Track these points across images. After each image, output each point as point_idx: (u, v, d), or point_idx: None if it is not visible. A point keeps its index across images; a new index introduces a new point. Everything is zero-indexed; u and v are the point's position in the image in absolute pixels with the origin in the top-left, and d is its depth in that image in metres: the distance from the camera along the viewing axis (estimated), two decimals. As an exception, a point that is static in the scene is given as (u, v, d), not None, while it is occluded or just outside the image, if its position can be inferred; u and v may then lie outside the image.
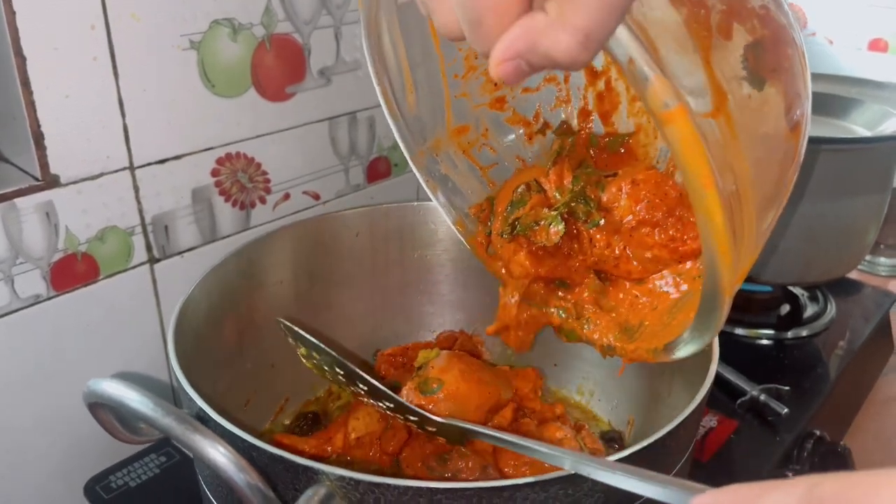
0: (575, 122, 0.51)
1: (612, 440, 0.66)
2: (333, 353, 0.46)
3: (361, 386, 0.47)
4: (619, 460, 0.38)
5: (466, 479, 0.51)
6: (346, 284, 0.69)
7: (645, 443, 0.39)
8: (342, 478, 0.37)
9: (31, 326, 0.63)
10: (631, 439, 0.67)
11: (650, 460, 0.40)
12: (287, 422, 0.69)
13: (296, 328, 0.48)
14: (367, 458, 0.59)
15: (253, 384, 0.63)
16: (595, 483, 0.39)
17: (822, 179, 0.82)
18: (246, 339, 0.61)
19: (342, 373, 0.48)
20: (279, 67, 0.78)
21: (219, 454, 0.32)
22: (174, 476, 0.69)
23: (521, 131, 0.52)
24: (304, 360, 0.52)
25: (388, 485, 0.37)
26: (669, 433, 0.40)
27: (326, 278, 0.68)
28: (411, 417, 0.46)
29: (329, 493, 0.37)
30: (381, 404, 0.48)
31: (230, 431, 0.38)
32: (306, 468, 0.37)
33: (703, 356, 0.51)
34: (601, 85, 0.50)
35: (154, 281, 0.70)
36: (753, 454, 0.75)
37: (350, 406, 0.66)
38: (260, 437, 0.39)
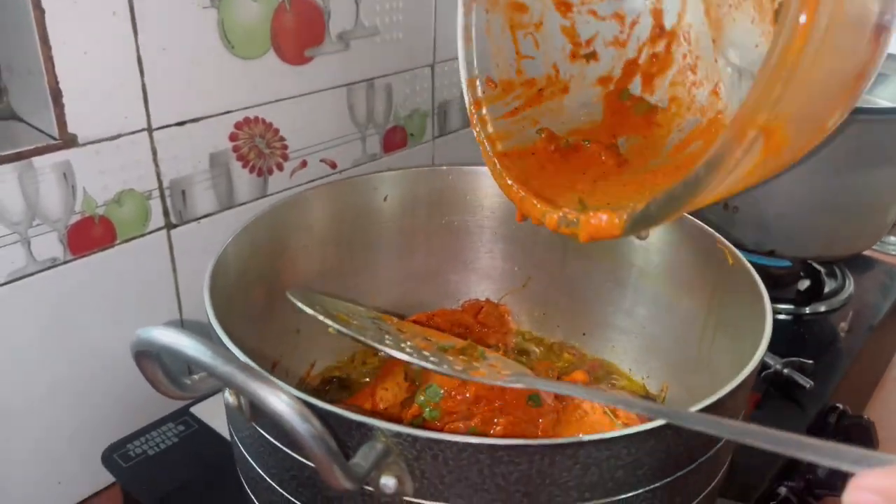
0: (617, 70, 0.50)
1: None
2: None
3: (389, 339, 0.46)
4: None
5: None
6: (372, 249, 0.68)
7: (708, 401, 0.38)
8: (399, 434, 0.36)
9: (47, 290, 0.62)
10: (667, 405, 0.65)
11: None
12: (315, 385, 0.67)
13: (300, 304, 0.47)
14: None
15: (279, 348, 0.62)
16: (658, 442, 0.38)
17: (848, 152, 0.81)
18: (273, 303, 0.59)
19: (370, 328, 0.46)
20: (298, 29, 0.76)
21: (283, 403, 0.30)
22: (192, 445, 0.68)
23: (568, 46, 0.50)
24: (330, 326, 0.50)
25: (448, 441, 0.35)
26: (731, 393, 0.39)
27: (353, 243, 0.66)
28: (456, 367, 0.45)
29: (385, 449, 0.36)
30: (421, 362, 0.46)
31: (280, 385, 0.36)
32: (360, 424, 0.36)
33: (751, 321, 0.50)
34: (661, 46, 0.48)
35: (171, 247, 0.69)
36: (778, 427, 0.74)
37: (378, 374, 0.64)
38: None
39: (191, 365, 0.31)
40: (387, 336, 0.53)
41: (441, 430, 0.51)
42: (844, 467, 0.27)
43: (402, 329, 0.59)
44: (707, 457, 0.42)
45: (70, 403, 0.69)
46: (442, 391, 0.52)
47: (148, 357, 0.33)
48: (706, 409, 0.39)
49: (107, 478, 0.70)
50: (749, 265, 0.53)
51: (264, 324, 0.61)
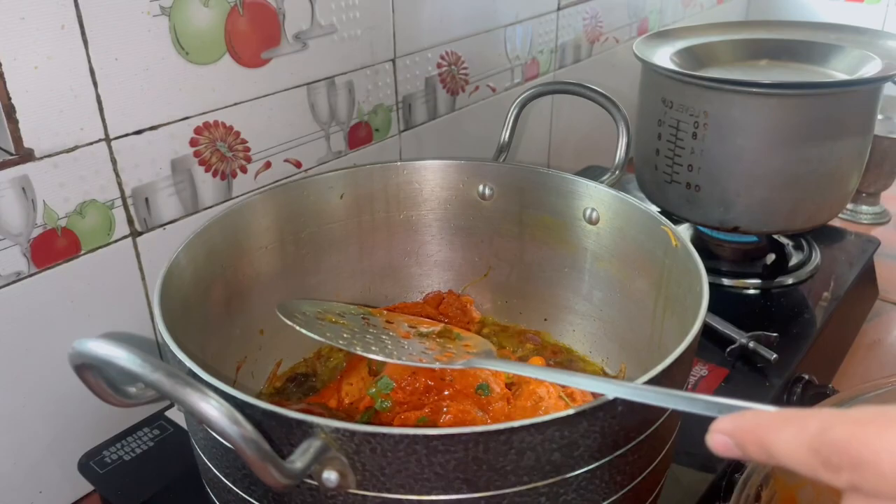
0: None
1: None
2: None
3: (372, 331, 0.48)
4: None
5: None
6: (332, 247, 0.68)
7: (641, 379, 0.39)
8: (337, 430, 0.37)
9: (14, 304, 0.62)
10: None
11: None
12: (279, 385, 0.68)
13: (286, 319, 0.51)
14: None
15: (243, 349, 0.62)
16: (591, 424, 0.39)
17: (805, 125, 0.82)
18: (233, 305, 0.60)
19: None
20: (253, 32, 0.77)
21: (211, 408, 0.31)
22: (169, 448, 0.67)
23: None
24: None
25: (384, 434, 0.36)
26: (664, 371, 0.40)
27: (313, 242, 0.67)
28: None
29: (324, 445, 0.37)
30: (372, 355, 0.48)
31: (220, 389, 0.37)
32: (300, 422, 0.37)
33: (693, 299, 0.51)
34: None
35: (137, 255, 0.69)
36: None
37: (343, 370, 0.66)
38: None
39: (126, 375, 0.32)
40: (371, 329, 0.54)
41: (391, 422, 0.52)
42: (713, 414, 0.30)
43: (390, 320, 0.60)
44: (646, 434, 0.43)
45: (46, 413, 0.70)
46: (393, 383, 0.53)
47: (88, 369, 0.34)
48: (651, 382, 0.40)
49: (87, 485, 0.71)
50: (690, 246, 0.54)
51: (226, 326, 0.62)
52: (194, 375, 0.39)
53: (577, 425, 0.39)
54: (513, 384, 0.59)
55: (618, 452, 0.42)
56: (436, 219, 0.71)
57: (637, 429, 0.42)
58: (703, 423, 0.32)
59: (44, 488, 0.72)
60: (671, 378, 0.43)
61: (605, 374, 0.69)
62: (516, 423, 0.37)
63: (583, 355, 0.72)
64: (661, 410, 0.43)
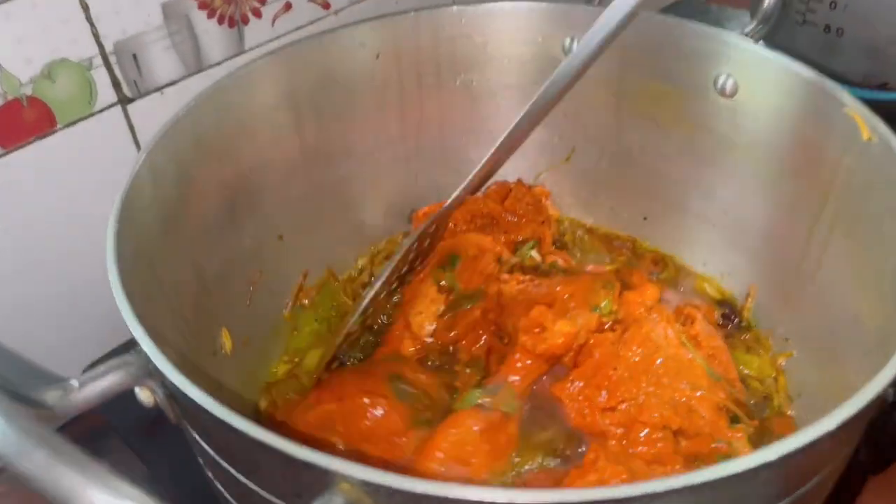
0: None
1: (727, 317, 0.52)
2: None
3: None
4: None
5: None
6: (366, 125, 0.57)
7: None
8: (369, 483, 0.23)
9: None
10: (752, 315, 0.53)
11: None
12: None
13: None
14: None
15: (256, 262, 0.53)
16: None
17: None
18: (239, 209, 0.50)
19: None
20: None
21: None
22: None
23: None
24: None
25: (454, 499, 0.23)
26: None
27: (339, 119, 0.55)
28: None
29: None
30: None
31: (198, 405, 0.25)
32: (310, 466, 0.24)
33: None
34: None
35: (131, 127, 0.58)
36: None
37: (401, 301, 0.54)
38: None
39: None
40: None
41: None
42: None
43: None
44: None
45: (39, 321, 0.60)
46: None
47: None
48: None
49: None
50: (897, 144, 0.38)
51: (231, 237, 0.50)
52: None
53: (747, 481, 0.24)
54: (619, 322, 0.47)
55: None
56: (504, 85, 0.58)
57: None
58: None
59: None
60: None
61: (725, 296, 0.55)
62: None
63: (694, 268, 0.57)
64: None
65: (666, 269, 0.56)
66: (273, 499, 0.28)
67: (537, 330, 0.45)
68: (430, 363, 0.50)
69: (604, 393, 0.43)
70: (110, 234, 0.35)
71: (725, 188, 0.54)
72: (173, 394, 0.30)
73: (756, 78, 0.49)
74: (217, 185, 0.48)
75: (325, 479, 0.25)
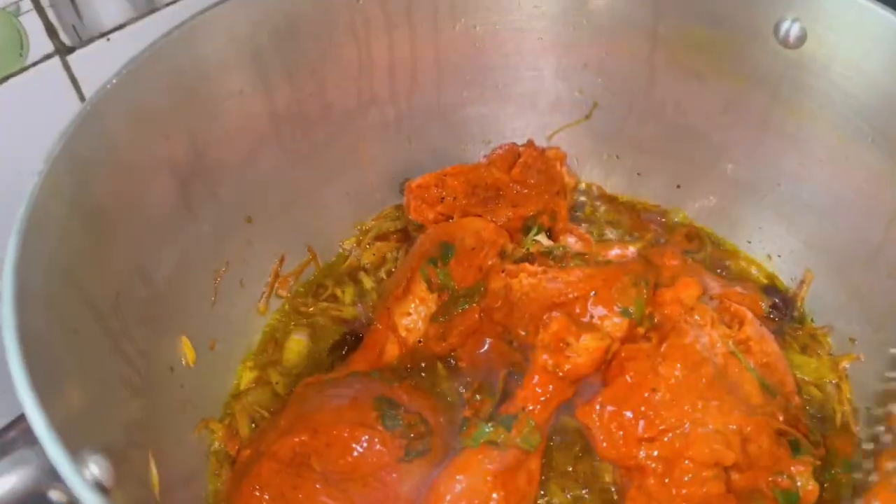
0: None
1: (777, 307, 0.46)
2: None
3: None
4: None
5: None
6: (346, 82, 0.51)
7: None
8: None
9: None
10: (807, 305, 0.47)
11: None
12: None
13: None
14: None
15: (222, 252, 0.48)
16: None
17: None
18: (195, 193, 0.45)
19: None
20: None
21: None
22: None
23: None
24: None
25: None
26: None
27: (314, 76, 0.49)
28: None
29: None
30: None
31: None
32: None
33: None
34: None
35: (73, 80, 0.51)
36: None
37: (388, 299, 0.48)
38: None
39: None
40: None
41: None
42: None
43: None
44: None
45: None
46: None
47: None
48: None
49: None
50: None
51: (187, 226, 0.45)
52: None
53: None
54: (654, 328, 0.40)
55: None
56: (514, 29, 0.51)
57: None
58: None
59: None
60: None
61: (776, 280, 0.49)
62: None
63: (736, 245, 0.51)
64: None
65: (703, 249, 0.50)
66: None
67: (560, 345, 0.38)
68: (422, 375, 0.45)
69: (641, 421, 0.37)
70: (9, 266, 0.27)
71: (782, 155, 0.48)
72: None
73: (830, 24, 0.42)
74: (164, 169, 0.43)
75: None
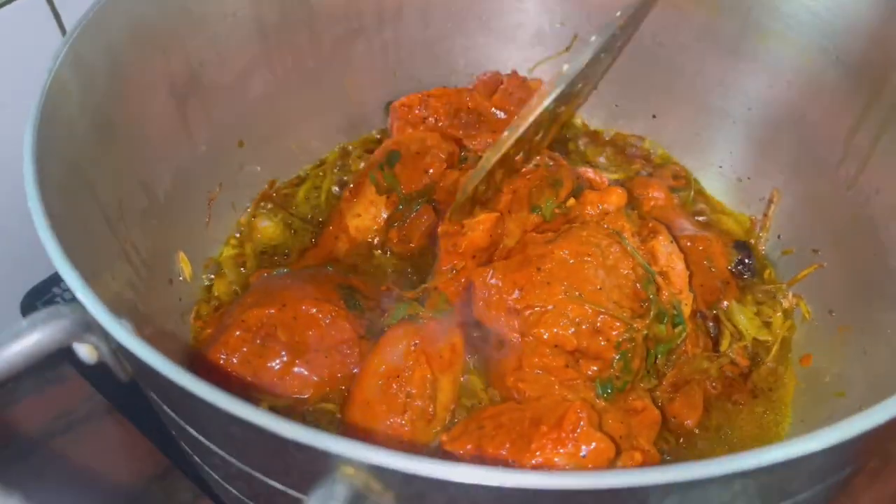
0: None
1: (743, 264, 0.46)
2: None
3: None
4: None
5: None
6: (335, 10, 0.50)
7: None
8: (380, 468, 0.18)
9: None
10: (771, 234, 0.48)
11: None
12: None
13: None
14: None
15: (215, 173, 0.48)
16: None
17: None
18: (191, 111, 0.44)
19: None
20: None
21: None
22: None
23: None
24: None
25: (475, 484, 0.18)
26: None
27: (305, 3, 0.48)
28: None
29: (354, 491, 0.19)
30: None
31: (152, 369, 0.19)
32: (306, 449, 0.19)
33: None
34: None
35: (56, 15, 0.50)
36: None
37: (341, 200, 0.49)
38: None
39: None
40: None
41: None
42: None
43: None
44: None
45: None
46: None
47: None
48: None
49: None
50: None
51: (182, 145, 0.45)
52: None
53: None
54: (569, 223, 0.42)
55: None
56: None
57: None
58: None
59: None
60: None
61: (745, 231, 0.50)
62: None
63: (709, 171, 0.52)
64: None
65: (687, 187, 0.51)
66: (258, 475, 0.23)
67: (457, 227, 0.41)
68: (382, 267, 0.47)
69: (517, 292, 0.39)
70: (28, 149, 0.27)
71: (751, 81, 0.48)
72: (121, 351, 0.24)
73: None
74: (162, 83, 0.42)
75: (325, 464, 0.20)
